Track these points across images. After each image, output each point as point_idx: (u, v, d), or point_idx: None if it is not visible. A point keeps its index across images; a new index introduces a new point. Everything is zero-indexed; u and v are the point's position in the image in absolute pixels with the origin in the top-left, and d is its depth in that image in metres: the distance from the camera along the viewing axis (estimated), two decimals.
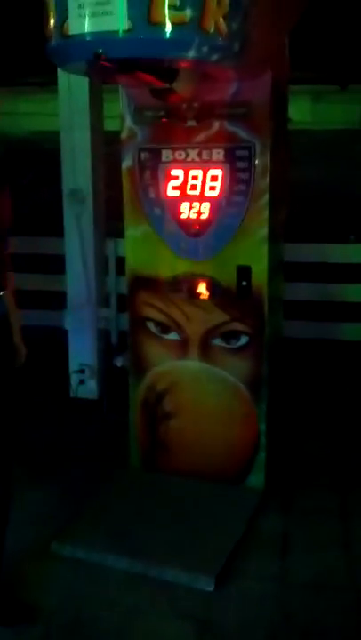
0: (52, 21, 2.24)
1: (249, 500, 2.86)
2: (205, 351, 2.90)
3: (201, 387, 2.94)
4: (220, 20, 2.14)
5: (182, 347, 2.93)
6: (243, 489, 2.93)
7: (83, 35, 2.16)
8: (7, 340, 2.19)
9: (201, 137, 2.76)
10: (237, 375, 2.87)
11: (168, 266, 2.90)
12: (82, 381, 4.16)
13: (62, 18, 2.18)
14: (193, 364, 2.93)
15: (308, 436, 3.57)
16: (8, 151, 7.76)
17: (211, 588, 2.35)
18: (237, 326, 2.83)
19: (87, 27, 2.14)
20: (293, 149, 3.09)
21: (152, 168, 2.86)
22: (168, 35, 2.09)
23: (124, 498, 2.90)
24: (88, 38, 2.16)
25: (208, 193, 2.77)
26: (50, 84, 5.23)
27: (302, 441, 3.51)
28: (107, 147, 4.04)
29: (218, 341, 2.87)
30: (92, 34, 2.15)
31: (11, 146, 7.26)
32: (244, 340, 2.83)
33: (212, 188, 2.77)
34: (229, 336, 2.85)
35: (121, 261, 3.91)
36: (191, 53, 2.16)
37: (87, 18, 2.13)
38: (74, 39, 2.18)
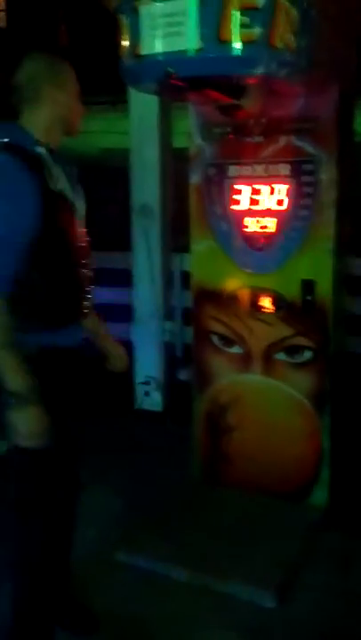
0: (125, 42, 2.32)
1: (311, 518, 2.82)
2: (268, 365, 2.89)
3: (264, 401, 2.94)
4: (289, 36, 2.17)
5: (245, 360, 2.94)
6: (305, 506, 2.89)
7: (154, 55, 2.23)
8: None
9: (267, 152, 2.78)
10: (301, 390, 2.84)
11: (232, 279, 2.92)
12: (147, 393, 4.22)
13: (135, 39, 2.26)
14: (256, 377, 2.93)
15: None
16: (81, 169, 8.02)
17: (272, 604, 2.33)
18: (301, 341, 2.81)
19: (159, 47, 2.22)
20: (359, 162, 3.06)
21: (219, 183, 2.90)
22: (237, 52, 2.13)
23: (186, 509, 2.92)
24: (160, 58, 2.23)
25: (274, 207, 2.78)
26: (120, 102, 5.38)
27: None
28: (174, 163, 4.12)
29: (281, 356, 2.86)
30: (163, 54, 2.22)
31: (82, 163, 7.50)
32: (307, 354, 2.81)
33: (278, 203, 2.78)
34: (293, 350, 2.84)
35: (186, 275, 3.98)
36: (260, 70, 2.19)
37: (159, 38, 2.20)
38: (146, 59, 2.26)
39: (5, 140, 1.77)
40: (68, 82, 1.90)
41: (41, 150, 1.81)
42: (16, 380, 1.69)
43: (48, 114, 1.86)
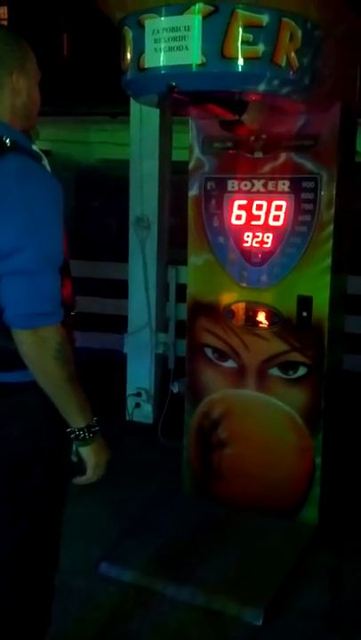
0: (128, 55, 2.33)
1: (301, 535, 2.80)
2: (262, 380, 2.89)
3: (256, 416, 2.93)
4: (292, 54, 2.18)
5: (239, 375, 2.93)
6: (296, 523, 2.87)
7: (158, 68, 2.23)
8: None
9: (267, 168, 2.79)
10: (294, 406, 2.84)
11: (228, 293, 2.93)
12: (138, 405, 4.20)
13: (139, 52, 2.27)
14: (249, 392, 2.92)
15: None
16: (78, 177, 8.05)
17: (259, 622, 2.31)
18: (296, 357, 2.81)
19: (162, 60, 2.22)
20: (359, 180, 3.08)
21: (217, 197, 2.91)
22: (240, 69, 2.14)
23: (175, 523, 2.90)
24: (163, 71, 2.23)
25: (272, 223, 2.79)
26: (121, 114, 5.41)
27: (359, 477, 3.42)
28: (173, 176, 4.14)
29: (275, 371, 2.86)
30: (166, 67, 2.22)
31: (82, 173, 7.52)
32: (302, 370, 2.81)
33: (277, 219, 2.79)
34: (288, 366, 2.83)
35: (181, 288, 3.98)
36: (262, 87, 2.21)
37: (163, 52, 2.21)
38: (149, 72, 2.26)
39: (5, 138, 1.55)
40: (31, 67, 1.65)
41: (37, 149, 1.66)
42: (86, 413, 1.58)
43: (8, 104, 1.60)
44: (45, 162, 1.66)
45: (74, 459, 1.64)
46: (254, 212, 2.83)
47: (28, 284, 1.47)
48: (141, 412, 4.22)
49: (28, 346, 1.49)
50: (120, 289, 4.37)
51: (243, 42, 2.12)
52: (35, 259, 1.47)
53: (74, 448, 1.63)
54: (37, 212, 1.49)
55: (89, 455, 1.62)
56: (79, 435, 1.58)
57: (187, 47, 2.16)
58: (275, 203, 2.79)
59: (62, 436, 1.66)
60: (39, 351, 1.49)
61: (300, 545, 2.74)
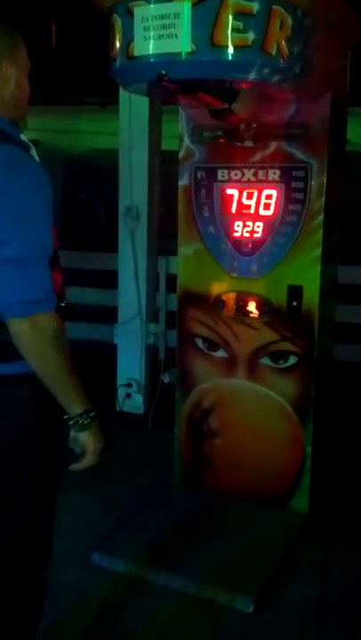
0: (117, 43, 2.31)
1: (292, 524, 2.82)
2: (253, 370, 2.89)
3: (247, 406, 2.93)
4: (282, 42, 2.17)
5: (229, 364, 2.94)
6: (286, 512, 2.89)
7: (147, 56, 2.21)
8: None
9: (257, 157, 2.78)
10: (284, 396, 2.85)
11: (219, 283, 2.92)
12: (128, 395, 4.20)
13: (128, 40, 2.25)
14: (239, 382, 2.92)
15: (355, 462, 3.51)
16: (68, 168, 8.00)
17: (249, 610, 2.32)
18: (286, 346, 2.81)
19: (152, 48, 2.20)
20: (351, 170, 3.08)
21: (207, 187, 2.89)
22: (230, 57, 2.13)
23: (166, 513, 2.90)
24: (152, 60, 2.21)
25: (262, 212, 2.79)
26: (110, 103, 5.36)
27: (348, 467, 3.44)
28: (163, 165, 4.12)
29: (266, 360, 2.86)
30: (156, 55, 2.20)
31: (71, 162, 7.46)
32: (292, 360, 2.81)
33: (267, 208, 2.78)
34: (278, 356, 2.84)
35: (171, 278, 3.97)
36: (252, 75, 2.19)
37: (152, 40, 2.19)
38: (138, 60, 2.24)
39: None
40: (22, 57, 1.64)
41: (25, 139, 1.64)
42: (83, 399, 1.57)
43: None
44: (34, 152, 1.65)
45: (72, 446, 1.63)
46: (245, 201, 2.82)
47: (18, 273, 1.46)
48: (132, 402, 4.22)
49: (25, 336, 1.48)
50: (110, 279, 4.35)
51: (233, 30, 2.10)
52: (23, 248, 1.46)
53: (71, 434, 1.61)
54: (25, 203, 1.48)
55: (88, 440, 1.61)
56: (78, 420, 1.58)
57: (176, 35, 2.14)
58: (265, 192, 2.78)
59: (54, 429, 1.66)
60: (36, 340, 1.48)
61: (291, 534, 2.76)
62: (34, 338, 1.48)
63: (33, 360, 1.51)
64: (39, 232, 1.50)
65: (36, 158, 1.64)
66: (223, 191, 2.86)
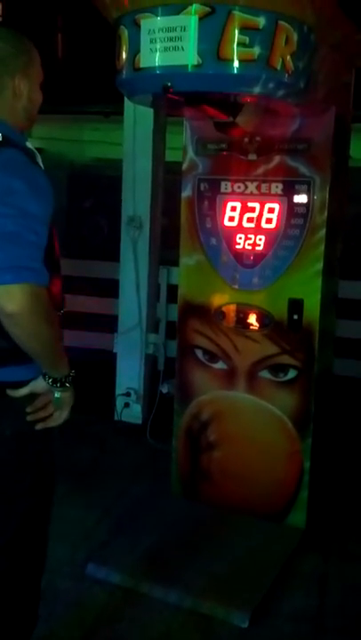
0: (123, 54, 2.32)
1: (289, 539, 2.80)
2: (252, 383, 2.88)
3: (246, 418, 2.93)
4: (288, 57, 2.18)
5: (229, 377, 2.93)
6: (283, 527, 2.87)
7: (153, 68, 2.23)
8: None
9: (260, 170, 2.80)
10: (283, 409, 2.84)
11: (220, 295, 2.92)
12: (127, 405, 4.19)
13: (134, 51, 2.26)
14: (239, 394, 2.92)
15: (353, 477, 3.49)
16: (72, 176, 8.03)
17: (245, 625, 2.30)
18: (286, 359, 2.81)
19: (158, 60, 2.21)
20: (353, 186, 3.09)
21: (210, 199, 2.90)
22: (236, 70, 2.14)
23: (163, 525, 2.89)
24: (158, 72, 2.23)
25: (265, 225, 2.79)
26: (114, 114, 5.39)
27: (347, 482, 3.43)
28: (166, 176, 4.13)
29: (265, 373, 2.85)
30: (162, 67, 2.22)
31: (75, 171, 7.50)
32: (292, 373, 2.81)
33: (269, 221, 2.79)
34: (278, 369, 2.83)
35: (172, 289, 3.97)
36: (257, 89, 2.21)
37: (158, 52, 2.20)
38: (144, 72, 2.26)
39: None
40: (35, 70, 1.67)
41: (31, 146, 1.67)
42: (66, 362, 1.64)
43: (8, 105, 1.62)
44: (39, 159, 1.67)
45: (55, 405, 1.69)
46: (247, 214, 2.83)
47: (10, 242, 1.45)
48: (130, 412, 4.20)
49: (19, 305, 1.44)
50: (111, 288, 4.35)
51: (239, 44, 2.11)
52: (14, 222, 1.46)
53: (55, 395, 1.67)
54: (25, 201, 1.48)
55: (67, 399, 1.68)
56: (62, 381, 1.64)
57: (182, 48, 2.15)
58: (267, 205, 2.79)
59: (50, 436, 1.66)
60: (30, 310, 1.45)
61: (288, 549, 2.74)
62: (28, 308, 1.45)
63: (24, 332, 1.50)
64: (35, 224, 1.50)
65: (42, 166, 1.65)
66: (226, 203, 2.87)
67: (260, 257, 2.81)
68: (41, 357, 1.58)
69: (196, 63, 2.14)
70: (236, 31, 2.10)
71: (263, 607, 2.38)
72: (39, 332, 1.50)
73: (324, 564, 2.72)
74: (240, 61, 2.13)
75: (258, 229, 2.81)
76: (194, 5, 2.09)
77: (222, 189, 2.87)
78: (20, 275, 1.44)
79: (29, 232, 1.48)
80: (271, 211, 2.78)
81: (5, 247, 1.45)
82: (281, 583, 2.54)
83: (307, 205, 2.70)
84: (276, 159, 2.75)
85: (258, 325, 2.85)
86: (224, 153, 2.86)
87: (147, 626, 2.30)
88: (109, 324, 4.37)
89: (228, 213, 2.87)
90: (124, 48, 2.31)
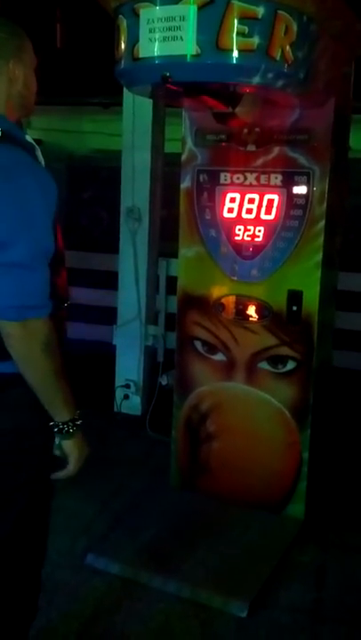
0: (122, 44, 2.31)
1: (287, 530, 2.81)
2: (251, 374, 2.89)
3: (245, 410, 2.93)
4: (287, 47, 2.17)
5: (228, 368, 2.93)
6: (282, 518, 2.88)
7: (152, 58, 2.21)
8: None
9: (260, 161, 2.78)
10: (282, 400, 2.84)
11: (219, 287, 2.92)
12: (126, 396, 4.20)
13: (133, 41, 2.25)
14: (238, 386, 2.92)
15: (352, 469, 3.50)
16: (71, 168, 8.00)
17: (244, 614, 2.31)
18: (285, 351, 2.81)
19: (156, 50, 2.20)
20: (352, 178, 3.08)
21: (209, 190, 2.89)
22: (235, 60, 2.13)
23: (162, 516, 2.90)
24: (157, 62, 2.21)
25: (264, 217, 2.79)
26: (113, 104, 5.37)
27: (345, 474, 3.44)
28: (165, 167, 4.12)
29: (264, 365, 2.86)
30: (160, 57, 2.20)
31: (74, 162, 7.48)
32: (291, 365, 2.81)
33: (268, 212, 2.78)
34: (277, 360, 2.84)
35: (171, 281, 3.97)
36: (256, 79, 2.19)
37: (157, 42, 2.19)
38: (143, 62, 2.24)
39: None
40: (28, 55, 1.64)
41: (30, 139, 1.65)
42: (70, 406, 1.56)
43: (4, 92, 1.60)
44: (38, 152, 1.65)
45: (56, 453, 1.63)
46: (246, 205, 2.82)
47: (19, 278, 1.46)
48: (130, 403, 4.21)
49: (17, 338, 1.47)
50: (110, 280, 4.35)
51: (238, 33, 2.10)
52: (27, 253, 1.46)
53: (56, 442, 1.61)
54: (29, 206, 1.48)
55: (72, 449, 1.61)
56: (63, 428, 1.57)
57: (181, 37, 2.14)
58: (267, 196, 2.78)
59: (49, 429, 1.65)
60: (27, 343, 1.48)
61: (287, 540, 2.75)
62: (25, 342, 1.47)
63: (22, 363, 1.51)
64: (42, 235, 1.50)
65: (41, 159, 1.64)
66: (225, 194, 2.86)
67: (259, 248, 2.81)
68: (38, 392, 1.54)
69: (195, 53, 2.13)
70: (236, 21, 2.09)
71: (261, 598, 2.40)
72: (35, 363, 1.50)
73: (323, 555, 2.73)
74: (239, 51, 2.12)
75: (257, 221, 2.80)
76: None
77: (221, 180, 2.87)
78: (21, 313, 1.46)
79: (40, 262, 1.48)
80: (270, 202, 2.77)
81: (12, 281, 1.45)
82: (279, 574, 2.55)
83: (306, 197, 2.70)
84: (276, 150, 2.74)
85: (257, 317, 2.85)
86: (223, 144, 2.85)
87: (146, 616, 2.31)
88: (109, 315, 4.37)
89: (228, 205, 2.86)
90: (123, 38, 2.30)
